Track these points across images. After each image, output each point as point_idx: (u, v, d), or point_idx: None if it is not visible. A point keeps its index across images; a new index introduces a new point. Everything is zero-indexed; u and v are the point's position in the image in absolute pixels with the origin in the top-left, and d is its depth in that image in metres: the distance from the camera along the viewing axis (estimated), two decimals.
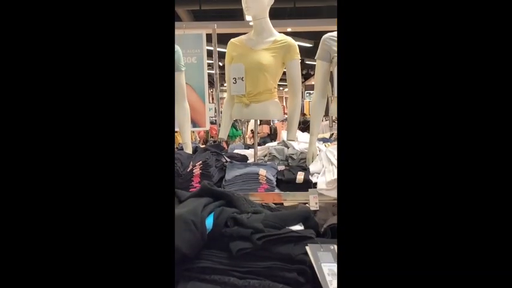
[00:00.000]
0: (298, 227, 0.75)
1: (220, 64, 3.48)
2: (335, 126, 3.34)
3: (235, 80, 1.49)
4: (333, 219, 1.02)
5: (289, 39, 1.59)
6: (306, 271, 0.66)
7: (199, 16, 4.64)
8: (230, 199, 0.78)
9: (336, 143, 1.76)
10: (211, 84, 3.36)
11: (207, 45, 2.93)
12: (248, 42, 1.59)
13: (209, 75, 3.25)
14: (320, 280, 0.64)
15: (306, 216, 0.78)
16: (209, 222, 0.71)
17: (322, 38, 1.51)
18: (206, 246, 0.70)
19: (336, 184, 1.21)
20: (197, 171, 1.23)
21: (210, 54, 3.15)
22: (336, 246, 0.71)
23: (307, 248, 0.68)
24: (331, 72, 1.51)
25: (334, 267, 0.66)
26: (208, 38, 3.03)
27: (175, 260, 0.65)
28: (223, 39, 2.25)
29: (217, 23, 3.21)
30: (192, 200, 0.76)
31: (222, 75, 2.05)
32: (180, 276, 0.68)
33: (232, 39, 1.68)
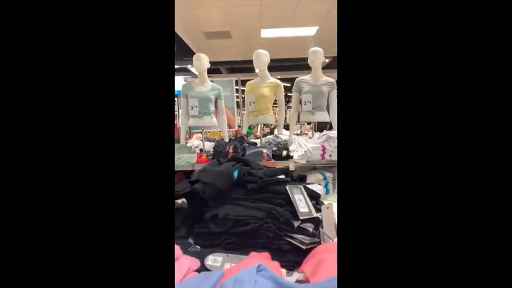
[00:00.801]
0: (282, 176, 1.01)
1: (243, 96, 4.59)
2: (302, 127, 4.76)
3: (250, 103, 2.28)
4: (300, 172, 1.57)
5: (278, 81, 2.30)
6: (286, 199, 0.91)
7: (232, 70, 6.95)
8: (247, 162, 1.06)
9: (302, 136, 2.52)
10: (238, 105, 5.10)
11: (236, 86, 4.32)
12: (256, 83, 2.32)
13: (237, 102, 4.66)
14: (293, 202, 0.89)
15: (286, 171, 1.05)
16: (235, 173, 0.97)
17: (295, 80, 2.22)
18: (234, 186, 0.96)
19: (303, 157, 1.90)
20: (231, 150, 1.93)
21: (237, 91, 4.53)
22: (302, 187, 0.97)
23: (287, 187, 0.93)
24: (300, 99, 2.21)
25: (301, 196, 0.92)
26: (236, 82, 4.40)
27: (216, 194, 0.93)
28: (244, 82, 3.19)
29: (241, 74, 4.70)
30: (227, 163, 1.04)
31: (243, 100, 2.86)
32: (221, 203, 0.93)
33: (248, 82, 2.39)
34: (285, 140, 2.28)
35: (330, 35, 5.00)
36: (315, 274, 0.60)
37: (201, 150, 2.27)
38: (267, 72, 2.38)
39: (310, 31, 4.89)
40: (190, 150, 2.19)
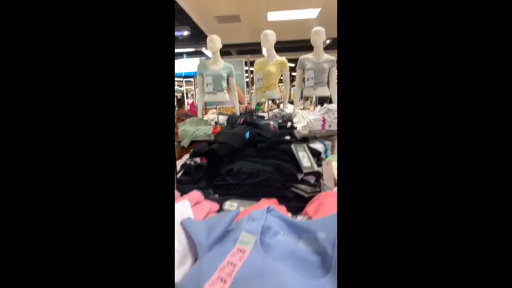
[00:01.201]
0: (287, 137, 1.02)
1: (251, 76, 4.69)
2: (305, 103, 4.83)
3: (258, 80, 2.31)
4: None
5: (284, 59, 2.32)
6: (291, 155, 0.91)
7: (241, 51, 7.21)
8: (257, 125, 1.10)
9: (305, 110, 2.53)
10: (247, 85, 5.27)
11: (245, 66, 4.46)
12: (264, 60, 2.33)
13: (246, 82, 4.88)
14: (297, 159, 0.89)
15: (291, 133, 1.07)
16: (247, 134, 1.00)
17: (299, 58, 2.23)
18: (246, 145, 0.97)
19: (305, 127, 1.94)
20: (241, 122, 1.98)
21: (246, 71, 4.68)
22: (305, 145, 0.98)
23: (292, 146, 0.94)
24: (304, 77, 2.19)
25: (304, 153, 0.94)
26: (245, 63, 4.53)
27: (230, 152, 0.93)
28: (252, 63, 3.27)
29: (250, 55, 4.95)
30: (239, 126, 1.06)
31: (252, 80, 2.80)
32: (235, 160, 0.94)
33: (256, 60, 2.43)
34: (290, 113, 2.38)
35: (331, 17, 4.81)
36: (316, 213, 0.64)
37: (216, 122, 2.38)
38: (274, 51, 2.40)
39: (313, 13, 4.71)
40: (207, 123, 2.26)
